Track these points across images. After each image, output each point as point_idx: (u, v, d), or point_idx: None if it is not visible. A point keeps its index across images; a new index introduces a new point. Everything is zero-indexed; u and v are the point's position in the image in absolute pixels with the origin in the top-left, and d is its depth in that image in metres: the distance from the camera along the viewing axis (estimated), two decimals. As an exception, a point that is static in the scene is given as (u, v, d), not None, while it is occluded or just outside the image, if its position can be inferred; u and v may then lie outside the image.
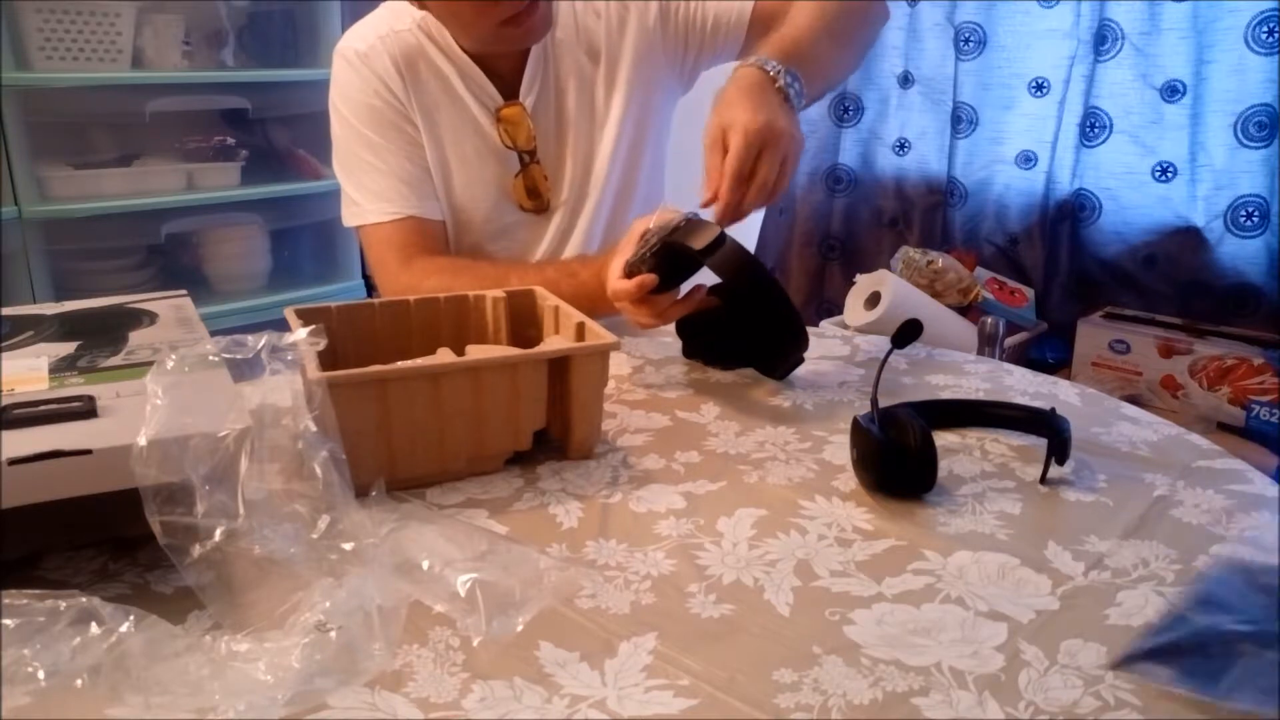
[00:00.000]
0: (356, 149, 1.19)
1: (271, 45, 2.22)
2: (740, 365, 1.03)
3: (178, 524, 0.56)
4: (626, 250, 0.96)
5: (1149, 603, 0.60)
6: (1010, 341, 2.03)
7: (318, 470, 0.62)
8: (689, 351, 1.07)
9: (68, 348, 0.75)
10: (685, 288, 0.99)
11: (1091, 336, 2.04)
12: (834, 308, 2.47)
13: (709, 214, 0.93)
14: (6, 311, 0.83)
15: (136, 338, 0.78)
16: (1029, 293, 2.19)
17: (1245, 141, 1.93)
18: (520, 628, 0.57)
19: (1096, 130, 2.12)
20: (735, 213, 0.92)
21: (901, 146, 2.42)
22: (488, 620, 0.57)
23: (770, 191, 0.93)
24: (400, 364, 0.76)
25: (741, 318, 0.97)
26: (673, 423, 0.90)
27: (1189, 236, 2.02)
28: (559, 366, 0.79)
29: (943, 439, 0.83)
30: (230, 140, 2.20)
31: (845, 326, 2.07)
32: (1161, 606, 0.59)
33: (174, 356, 0.62)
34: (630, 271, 0.94)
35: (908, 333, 0.83)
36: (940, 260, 2.14)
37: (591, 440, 0.82)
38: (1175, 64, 1.98)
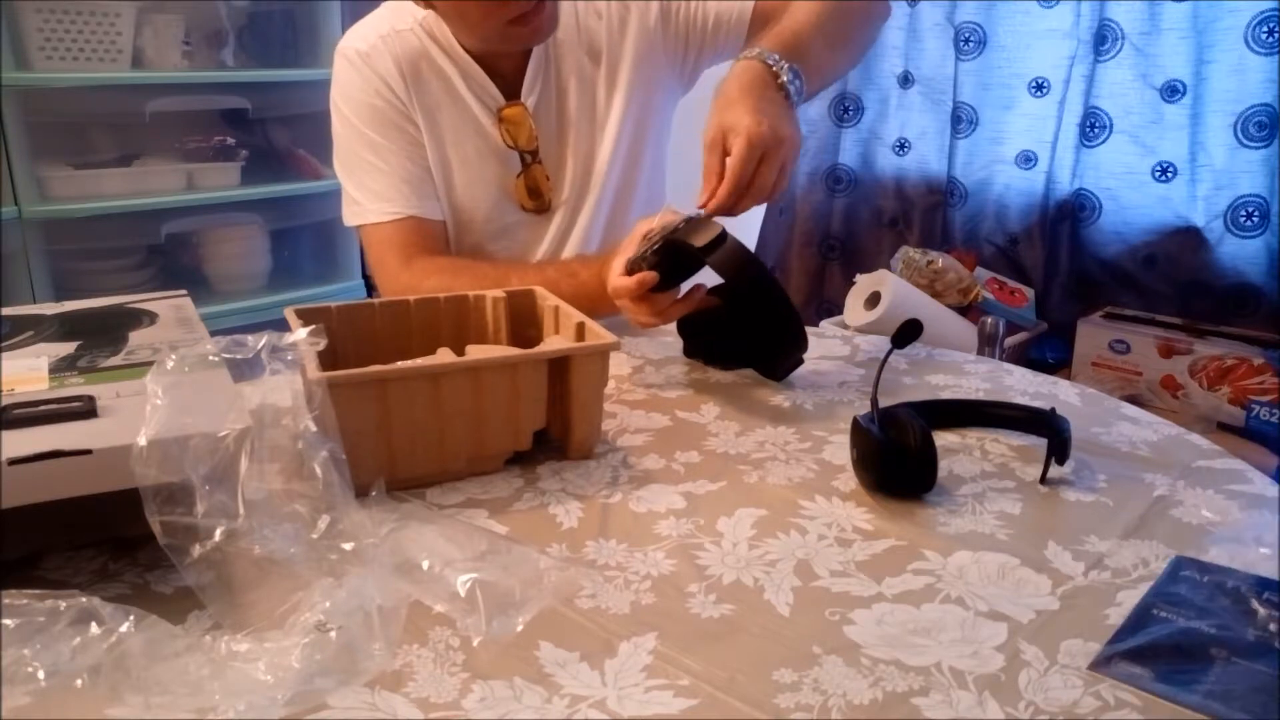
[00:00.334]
0: (358, 148, 1.19)
1: (271, 45, 2.22)
2: (740, 365, 1.03)
3: (178, 524, 0.56)
4: (628, 249, 0.96)
5: (1149, 603, 0.60)
6: (1010, 341, 2.03)
7: (318, 470, 0.62)
8: (689, 351, 1.07)
9: (68, 348, 0.75)
10: (685, 287, 0.99)
11: (1091, 336, 2.04)
12: (834, 308, 2.47)
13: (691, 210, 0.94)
14: (6, 311, 0.83)
15: (136, 338, 0.78)
16: (1029, 293, 2.19)
17: (1245, 141, 1.93)
18: (520, 628, 0.57)
19: (1096, 130, 2.12)
20: (728, 212, 0.93)
21: (901, 146, 2.42)
22: (488, 620, 0.57)
23: (772, 195, 0.93)
24: (400, 364, 0.76)
25: (741, 318, 0.97)
26: (673, 423, 0.90)
27: (1189, 236, 2.02)
28: (559, 366, 0.79)
29: (943, 439, 0.83)
30: (230, 140, 2.20)
31: (845, 326, 2.07)
32: (1137, 602, 0.59)
33: (174, 356, 0.62)
34: (632, 269, 0.94)
35: (908, 333, 0.83)
36: (940, 260, 2.14)
37: (591, 440, 0.82)
38: (1175, 64, 1.98)
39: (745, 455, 0.82)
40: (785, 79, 0.96)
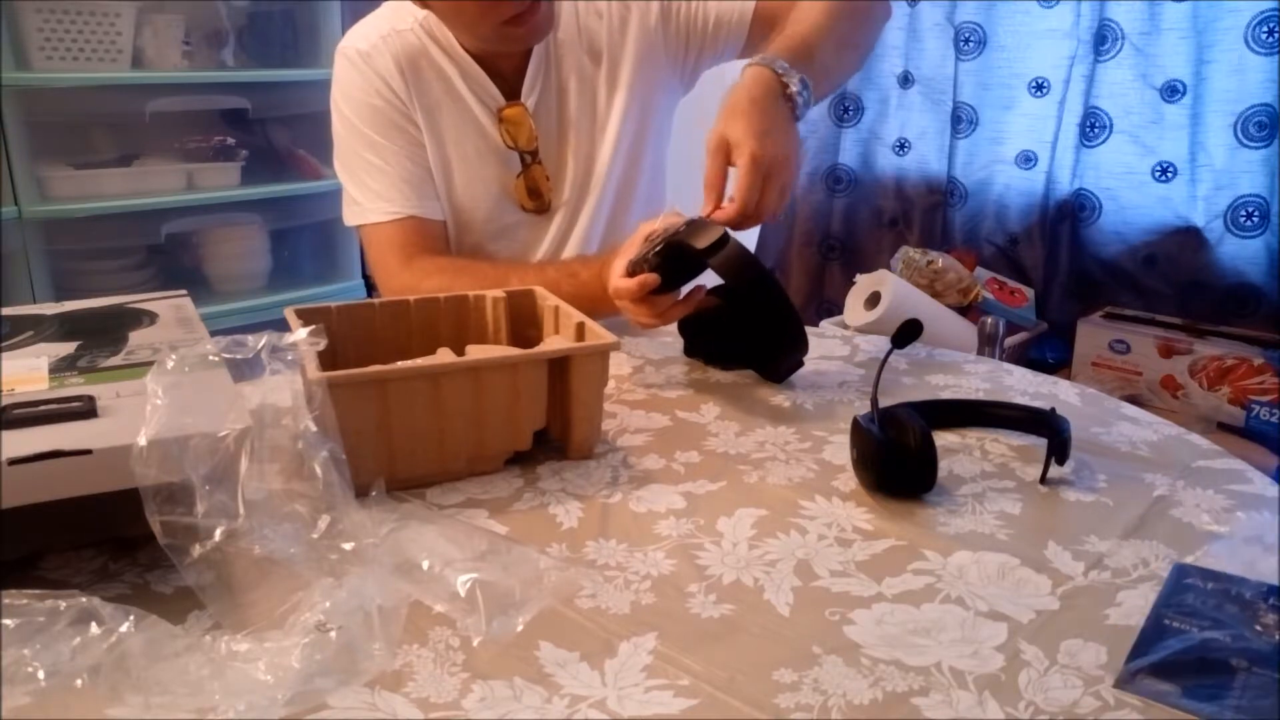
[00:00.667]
0: (358, 148, 1.19)
1: (271, 45, 2.22)
2: (740, 366, 1.03)
3: (178, 524, 0.56)
4: (630, 250, 0.96)
5: (1149, 603, 0.60)
6: (1010, 341, 2.04)
7: (318, 470, 0.62)
8: (690, 351, 1.07)
9: (68, 348, 0.75)
10: (686, 289, 0.99)
11: (1091, 336, 2.04)
12: (834, 308, 2.47)
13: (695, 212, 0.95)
14: (6, 311, 0.83)
15: (136, 338, 0.78)
16: (1029, 293, 2.19)
17: (1245, 141, 1.93)
18: (520, 628, 0.57)
19: (1096, 130, 2.12)
20: (732, 227, 0.93)
21: (901, 146, 2.42)
22: (488, 620, 0.57)
23: (771, 217, 0.94)
24: (400, 364, 0.76)
25: (743, 319, 0.97)
26: (673, 423, 0.90)
27: (1189, 236, 2.02)
28: (559, 366, 0.79)
29: (943, 439, 0.83)
30: (230, 140, 2.21)
31: (845, 326, 2.07)
32: (1149, 614, 0.59)
33: (174, 356, 0.62)
34: (633, 270, 0.94)
35: (908, 333, 0.83)
36: (940, 260, 2.14)
37: (591, 440, 0.82)
38: (1175, 64, 1.98)
39: (745, 455, 0.82)
40: (794, 89, 0.96)
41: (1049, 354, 2.20)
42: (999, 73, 2.22)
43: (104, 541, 0.66)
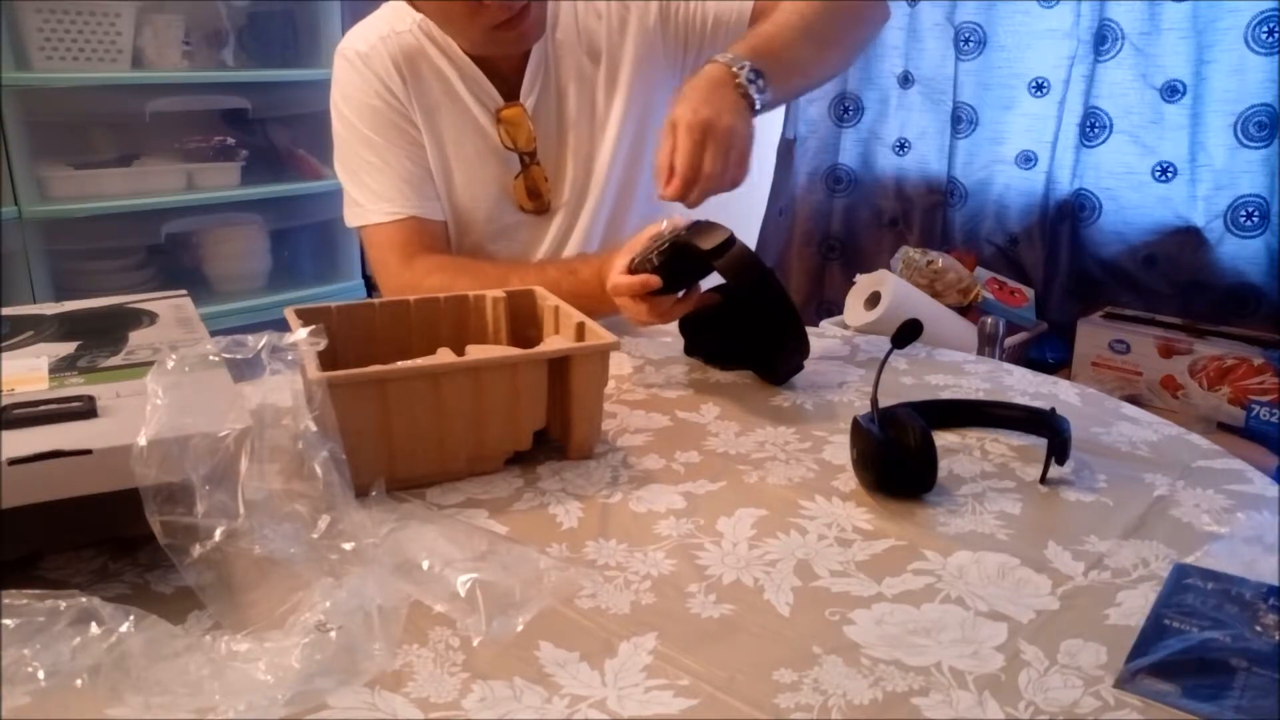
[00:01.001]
0: (358, 149, 1.19)
1: (271, 45, 2.22)
2: (740, 366, 1.03)
3: (178, 524, 0.56)
4: (633, 249, 0.96)
5: (1149, 603, 0.60)
6: (1010, 341, 2.04)
7: (318, 470, 0.62)
8: (690, 350, 1.07)
9: (68, 348, 0.75)
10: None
11: (1091, 336, 2.04)
12: (834, 308, 2.47)
13: (699, 213, 0.95)
14: (6, 311, 0.83)
15: (136, 338, 0.78)
16: (1029, 293, 2.19)
17: (1245, 141, 1.93)
18: (520, 628, 0.57)
19: (1096, 130, 2.12)
20: (686, 202, 0.95)
21: (901, 146, 2.42)
22: (488, 620, 0.57)
23: (722, 182, 0.95)
24: (400, 364, 0.76)
25: (744, 320, 0.97)
26: (673, 423, 0.90)
27: (1189, 236, 2.02)
28: (559, 366, 0.79)
29: (943, 439, 0.83)
30: (230, 140, 2.21)
31: (845, 326, 2.07)
32: (1149, 614, 0.59)
33: (174, 356, 0.62)
34: (635, 269, 0.94)
35: (908, 333, 0.83)
36: (940, 260, 2.14)
37: (591, 440, 0.82)
38: (1175, 64, 1.98)
39: (745, 455, 0.82)
40: (742, 79, 0.97)
41: (1049, 354, 2.20)
42: (999, 73, 2.22)
43: (104, 541, 0.66)
